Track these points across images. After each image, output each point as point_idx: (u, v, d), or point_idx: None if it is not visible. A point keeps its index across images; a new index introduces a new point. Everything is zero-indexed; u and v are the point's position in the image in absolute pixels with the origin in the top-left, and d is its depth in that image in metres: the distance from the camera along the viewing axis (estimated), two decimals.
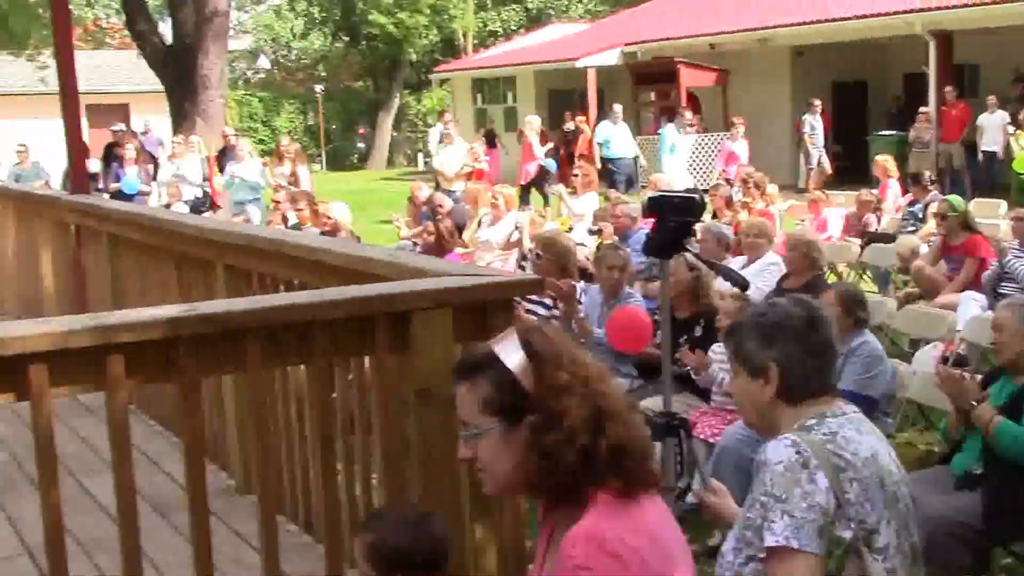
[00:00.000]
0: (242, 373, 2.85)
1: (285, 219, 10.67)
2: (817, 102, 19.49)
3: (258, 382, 2.75)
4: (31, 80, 24.61)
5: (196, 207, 14.05)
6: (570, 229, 11.38)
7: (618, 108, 19.25)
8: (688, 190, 4.88)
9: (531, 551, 3.04)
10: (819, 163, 19.19)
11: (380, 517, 2.63)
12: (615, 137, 18.58)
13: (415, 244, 10.76)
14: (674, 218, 3.07)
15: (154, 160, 16.02)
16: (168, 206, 13.09)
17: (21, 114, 27.47)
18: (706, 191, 11.87)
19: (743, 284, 3.53)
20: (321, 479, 2.84)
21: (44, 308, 7.38)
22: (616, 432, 1.94)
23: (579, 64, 24.07)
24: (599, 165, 17.94)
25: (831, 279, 8.88)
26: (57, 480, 2.54)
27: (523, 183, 17.49)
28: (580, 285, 7.31)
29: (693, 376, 5.73)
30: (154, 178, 15.20)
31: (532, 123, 18.31)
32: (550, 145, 18.93)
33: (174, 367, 2.56)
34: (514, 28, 40.23)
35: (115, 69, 31.39)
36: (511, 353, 1.96)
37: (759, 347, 2.45)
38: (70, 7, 6.91)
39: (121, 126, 17.53)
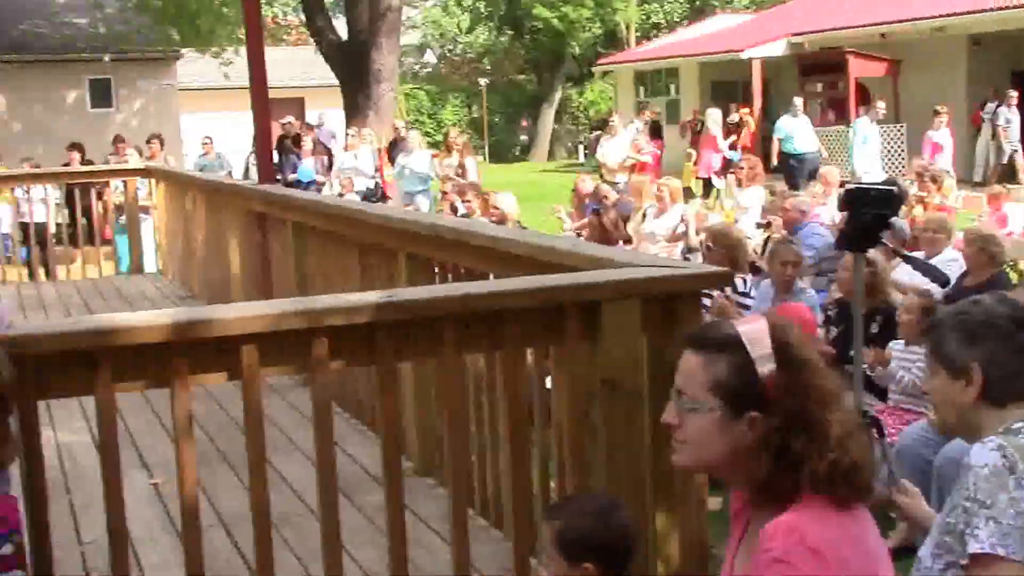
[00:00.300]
0: (437, 359, 2.94)
1: (455, 209, 10.87)
2: (1014, 94, 18.51)
3: (452, 369, 2.83)
4: (215, 76, 25.79)
5: (367, 197, 14.41)
6: (735, 222, 11.23)
7: (798, 101, 18.62)
8: (885, 182, 4.77)
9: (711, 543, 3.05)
10: (1011, 158, 18.29)
11: (568, 504, 2.67)
12: (797, 131, 17.88)
13: (579, 235, 10.80)
14: (870, 211, 3.01)
15: (328, 151, 16.53)
16: (341, 196, 13.49)
17: (205, 108, 28.80)
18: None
19: (943, 280, 3.44)
20: (510, 468, 2.90)
21: (231, 293, 7.72)
22: (856, 449, 1.92)
23: (744, 55, 23.64)
24: (776, 161, 17.48)
25: (1013, 277, 8.50)
26: (265, 456, 2.68)
27: (704, 175, 17.33)
28: (748, 279, 7.24)
29: (870, 373, 5.60)
30: (328, 169, 15.70)
31: (714, 115, 18.05)
32: (733, 137, 18.66)
33: (374, 351, 2.67)
34: (677, 20, 39.84)
35: (291, 64, 32.51)
36: (760, 343, 1.92)
37: (961, 347, 2.38)
38: (260, 6, 7.21)
39: (290, 119, 18.14)
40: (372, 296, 2.71)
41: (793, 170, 17.34)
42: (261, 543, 2.67)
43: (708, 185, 17.15)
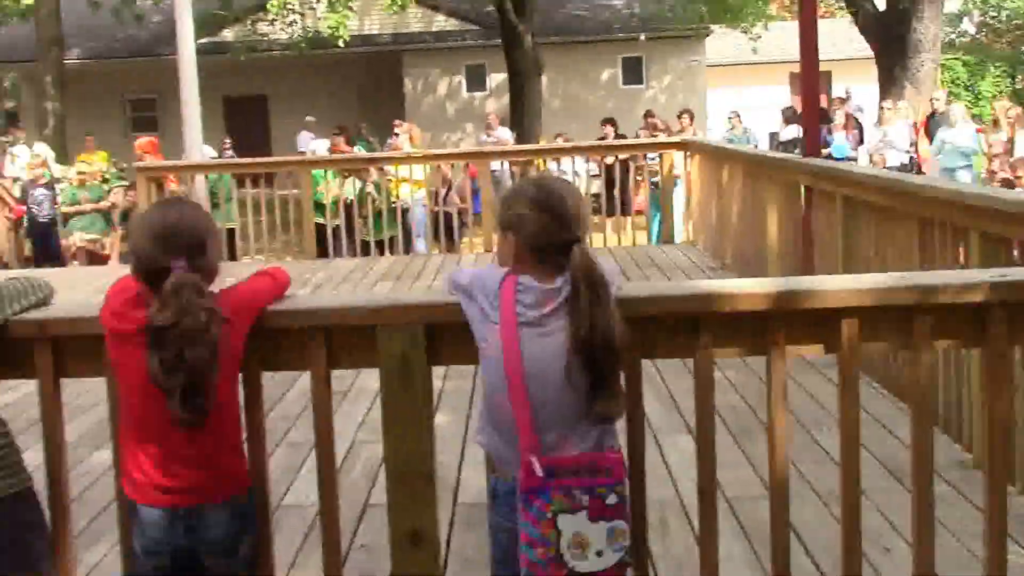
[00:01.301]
0: None
1: (1011, 187, 10.04)
2: None
3: None
4: (739, 52, 26.04)
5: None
6: None
7: None
8: None
9: None
10: None
11: None
12: None
13: None
14: None
15: (858, 125, 16.01)
16: None
17: (729, 83, 29.22)
18: None
19: None
20: None
21: (766, 266, 7.70)
22: None
23: None
24: None
25: None
26: (859, 431, 2.58)
27: None
28: None
29: None
30: (859, 143, 15.21)
31: None
32: None
33: (984, 333, 2.49)
34: None
35: (820, 37, 32.06)
36: None
37: None
38: None
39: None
40: (984, 274, 2.52)
41: None
42: (850, 506, 2.60)
43: None
